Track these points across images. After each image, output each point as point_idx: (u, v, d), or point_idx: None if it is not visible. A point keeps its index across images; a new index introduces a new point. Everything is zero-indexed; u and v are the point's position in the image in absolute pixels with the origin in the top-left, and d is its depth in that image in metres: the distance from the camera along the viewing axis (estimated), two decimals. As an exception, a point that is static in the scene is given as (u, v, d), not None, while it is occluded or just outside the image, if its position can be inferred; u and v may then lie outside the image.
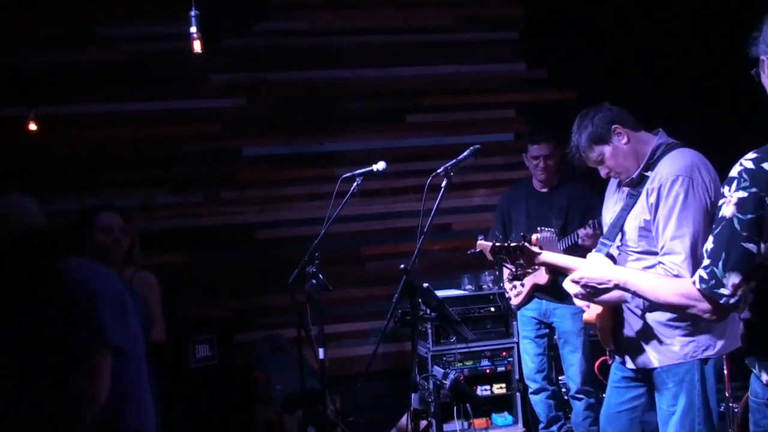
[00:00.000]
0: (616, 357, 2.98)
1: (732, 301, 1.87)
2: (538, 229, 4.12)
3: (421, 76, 5.47)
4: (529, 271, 4.15)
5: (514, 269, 2.99)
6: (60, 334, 2.14)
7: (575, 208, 4.32)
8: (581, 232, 4.07)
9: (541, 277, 4.28)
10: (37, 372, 2.16)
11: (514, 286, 4.53)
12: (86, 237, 3.52)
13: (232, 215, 5.19)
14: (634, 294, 2.27)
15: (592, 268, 2.41)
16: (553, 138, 4.33)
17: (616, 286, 2.27)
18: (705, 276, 1.90)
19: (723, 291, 1.86)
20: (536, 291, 4.42)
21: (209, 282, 5.05)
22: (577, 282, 2.41)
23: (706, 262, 1.90)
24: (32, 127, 4.75)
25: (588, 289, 2.38)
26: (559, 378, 4.65)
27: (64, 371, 2.13)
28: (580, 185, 4.36)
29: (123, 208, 3.90)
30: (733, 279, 1.85)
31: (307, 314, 3.63)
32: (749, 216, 1.81)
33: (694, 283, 1.94)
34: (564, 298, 4.24)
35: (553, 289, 4.30)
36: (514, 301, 4.55)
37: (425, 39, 5.48)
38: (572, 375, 4.40)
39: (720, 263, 1.86)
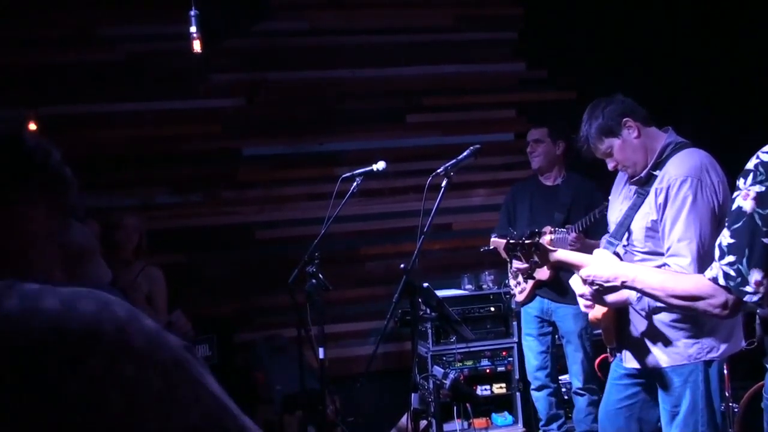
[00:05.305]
0: (617, 355, 2.98)
1: (755, 298, 1.84)
2: (552, 230, 4.12)
3: (421, 76, 5.47)
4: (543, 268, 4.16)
5: (527, 266, 2.96)
6: None
7: (579, 204, 4.30)
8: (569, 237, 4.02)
9: (542, 272, 4.27)
10: None
11: (518, 283, 4.51)
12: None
13: (232, 215, 5.19)
14: (641, 292, 2.21)
15: (599, 265, 2.34)
16: (551, 127, 4.38)
17: (624, 284, 2.23)
18: (732, 273, 1.85)
19: (747, 288, 1.83)
20: (538, 288, 4.42)
21: (209, 282, 5.05)
22: (584, 279, 2.37)
23: (730, 258, 1.85)
24: (32, 127, 4.74)
25: (595, 287, 2.35)
26: (560, 378, 4.65)
27: None
28: (587, 182, 4.34)
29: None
30: (756, 276, 1.81)
31: (307, 314, 3.63)
32: None
33: (715, 279, 1.90)
34: (565, 295, 4.24)
35: (555, 286, 4.30)
36: (518, 298, 4.54)
37: (425, 39, 5.48)
38: (575, 373, 4.40)
39: (744, 260, 1.82)
